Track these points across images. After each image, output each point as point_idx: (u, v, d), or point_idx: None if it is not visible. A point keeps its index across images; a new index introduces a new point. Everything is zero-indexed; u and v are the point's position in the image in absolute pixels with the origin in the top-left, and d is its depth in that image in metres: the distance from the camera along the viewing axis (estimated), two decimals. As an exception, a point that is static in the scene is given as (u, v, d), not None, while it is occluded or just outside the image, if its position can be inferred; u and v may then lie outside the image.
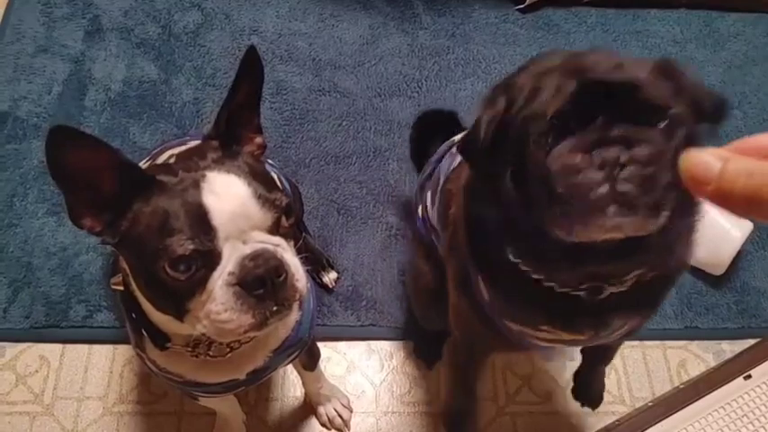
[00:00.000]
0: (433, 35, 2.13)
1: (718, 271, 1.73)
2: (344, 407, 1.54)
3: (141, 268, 0.81)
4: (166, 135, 1.85)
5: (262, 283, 0.78)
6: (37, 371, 1.59)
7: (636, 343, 1.70)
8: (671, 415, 1.51)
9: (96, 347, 1.61)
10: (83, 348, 1.61)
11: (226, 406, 1.41)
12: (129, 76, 2.00)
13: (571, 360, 1.67)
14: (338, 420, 1.53)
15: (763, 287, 1.76)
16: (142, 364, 1.08)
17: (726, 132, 1.98)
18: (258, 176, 0.82)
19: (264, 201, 0.79)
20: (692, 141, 0.77)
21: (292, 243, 0.86)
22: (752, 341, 1.53)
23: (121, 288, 0.91)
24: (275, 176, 1.40)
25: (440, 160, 1.30)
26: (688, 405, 1.46)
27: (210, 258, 0.77)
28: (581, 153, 0.72)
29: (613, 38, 2.19)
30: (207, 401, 1.28)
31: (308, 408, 1.56)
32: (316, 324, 1.18)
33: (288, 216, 0.83)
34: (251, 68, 0.85)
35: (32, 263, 1.67)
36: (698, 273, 1.76)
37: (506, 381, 1.65)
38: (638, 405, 1.62)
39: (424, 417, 1.58)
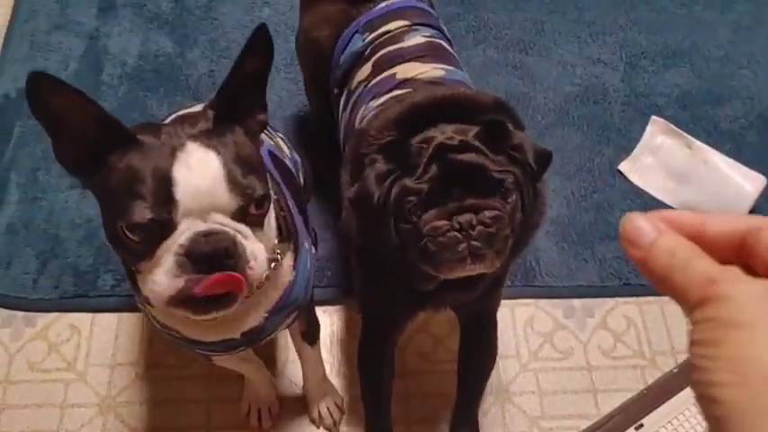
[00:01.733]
0: (444, 2, 2.14)
1: (733, 228, 1.76)
2: (337, 407, 1.53)
3: (106, 220, 0.82)
4: (184, 107, 1.86)
5: (208, 261, 0.77)
6: (68, 339, 1.62)
7: (653, 299, 1.73)
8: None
9: (125, 315, 1.64)
10: (112, 317, 1.64)
11: (252, 368, 1.43)
12: (144, 50, 2.01)
13: (590, 317, 1.71)
14: (329, 420, 1.51)
15: (778, 241, 1.78)
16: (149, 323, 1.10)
17: (736, 92, 2.01)
18: (241, 159, 0.81)
19: (235, 186, 0.78)
20: (524, 197, 1.07)
21: (261, 229, 0.85)
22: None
23: None
24: (284, 147, 1.41)
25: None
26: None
27: (165, 229, 0.78)
28: (444, 220, 1.01)
29: (622, 1, 2.20)
30: (224, 362, 1.30)
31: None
32: (313, 287, 1.18)
33: (258, 206, 0.83)
34: (259, 45, 0.83)
35: (59, 235, 1.70)
36: (713, 229, 1.79)
37: (528, 338, 1.68)
38: (657, 359, 1.66)
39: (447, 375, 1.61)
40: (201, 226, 0.78)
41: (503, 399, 1.59)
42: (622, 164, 1.89)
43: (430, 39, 1.39)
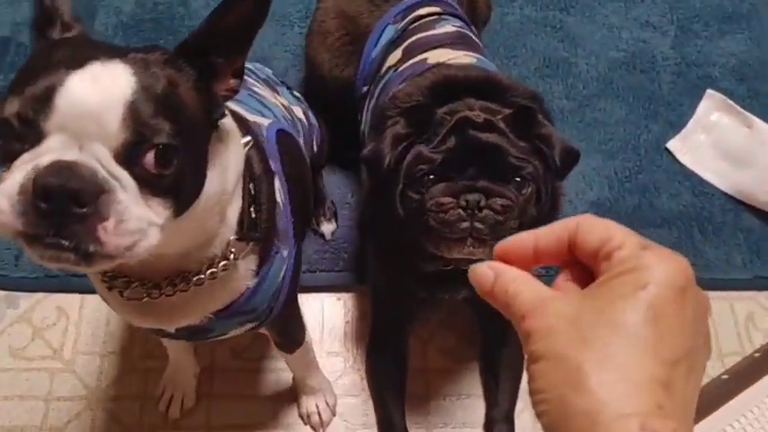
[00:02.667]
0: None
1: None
2: (327, 407, 1.39)
3: None
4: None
5: (48, 197, 0.59)
6: (54, 324, 1.46)
7: (700, 294, 1.57)
8: (746, 389, 1.40)
9: (118, 298, 1.48)
10: (103, 299, 1.48)
11: (178, 349, 1.31)
12: (141, -4, 1.80)
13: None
14: (315, 418, 1.38)
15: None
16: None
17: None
18: (165, 102, 0.65)
19: (133, 115, 0.61)
20: (540, 193, 1.03)
21: (161, 201, 0.66)
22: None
23: None
24: (299, 110, 1.25)
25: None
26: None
27: (28, 135, 0.61)
28: (451, 197, 0.98)
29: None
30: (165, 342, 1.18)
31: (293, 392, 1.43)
32: (289, 301, 1.00)
33: (160, 161, 0.63)
34: (252, 5, 0.68)
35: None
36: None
37: (562, 335, 1.52)
38: (703, 361, 1.51)
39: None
40: (69, 154, 0.60)
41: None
42: (671, 142, 1.71)
43: (460, 29, 1.36)
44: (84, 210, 0.60)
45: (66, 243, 0.60)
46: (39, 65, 0.63)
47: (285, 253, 0.92)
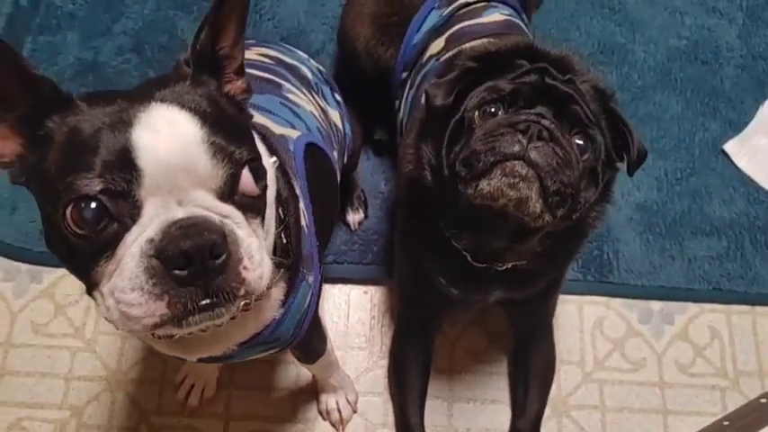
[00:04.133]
0: None
1: None
2: (348, 404, 1.36)
3: (45, 216, 0.62)
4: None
5: (188, 260, 0.57)
6: (77, 301, 1.44)
7: (746, 308, 1.50)
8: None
9: (141, 278, 1.45)
10: (127, 278, 1.45)
11: None
12: (177, -43, 1.72)
13: (669, 324, 1.48)
14: (336, 415, 1.36)
15: None
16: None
17: None
18: (221, 120, 0.62)
19: (218, 150, 0.59)
20: (595, 173, 0.94)
21: (259, 221, 0.64)
22: None
23: None
24: (338, 117, 1.18)
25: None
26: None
27: (126, 211, 0.57)
28: (510, 127, 0.88)
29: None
30: None
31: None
32: (313, 324, 0.96)
33: (257, 177, 0.62)
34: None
35: (71, 179, 1.49)
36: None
37: (595, 343, 1.46)
38: (742, 381, 1.44)
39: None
40: (177, 212, 0.57)
41: (560, 411, 1.40)
42: (729, 143, 1.60)
43: (508, 17, 1.27)
44: (221, 259, 0.58)
45: (216, 300, 0.59)
46: (82, 143, 0.58)
47: (311, 279, 0.87)
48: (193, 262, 0.56)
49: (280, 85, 1.02)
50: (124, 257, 0.57)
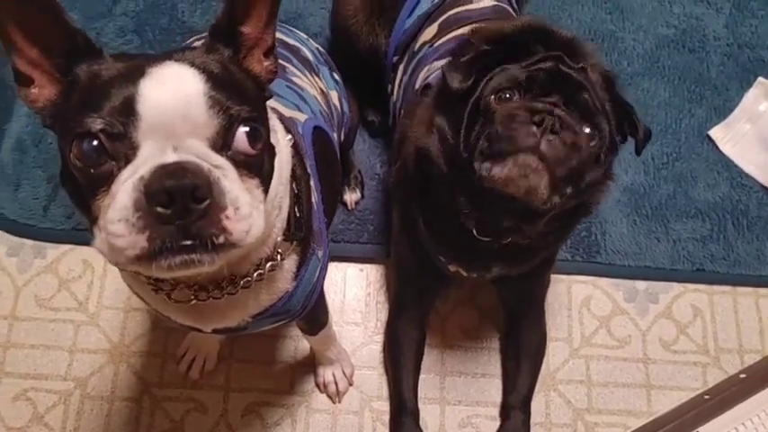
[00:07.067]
0: None
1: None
2: (345, 376, 1.41)
3: (63, 156, 0.66)
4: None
5: (170, 199, 0.59)
6: (80, 276, 1.48)
7: (728, 288, 1.56)
8: (762, 389, 1.40)
9: (143, 254, 1.48)
10: (129, 254, 1.48)
11: None
12: (177, -61, 1.74)
13: (654, 303, 1.54)
14: (332, 388, 1.40)
15: None
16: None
17: None
18: (227, 82, 0.66)
19: (216, 103, 0.63)
20: (600, 157, 0.99)
21: (257, 182, 0.67)
22: None
23: None
24: (336, 97, 1.22)
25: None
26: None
27: (122, 151, 0.61)
28: (527, 112, 0.94)
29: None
30: None
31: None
32: (320, 296, 1.01)
33: (254, 137, 0.65)
34: None
35: (73, 157, 1.52)
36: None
37: (582, 321, 1.52)
38: (722, 358, 1.50)
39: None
40: (169, 156, 0.61)
41: (548, 386, 1.46)
42: (714, 129, 1.65)
43: (497, 3, 1.32)
44: (204, 204, 0.60)
45: (194, 243, 0.61)
46: (98, 87, 0.63)
47: (320, 254, 0.92)
48: (175, 201, 0.59)
49: (284, 68, 1.06)
50: (118, 192, 0.60)
